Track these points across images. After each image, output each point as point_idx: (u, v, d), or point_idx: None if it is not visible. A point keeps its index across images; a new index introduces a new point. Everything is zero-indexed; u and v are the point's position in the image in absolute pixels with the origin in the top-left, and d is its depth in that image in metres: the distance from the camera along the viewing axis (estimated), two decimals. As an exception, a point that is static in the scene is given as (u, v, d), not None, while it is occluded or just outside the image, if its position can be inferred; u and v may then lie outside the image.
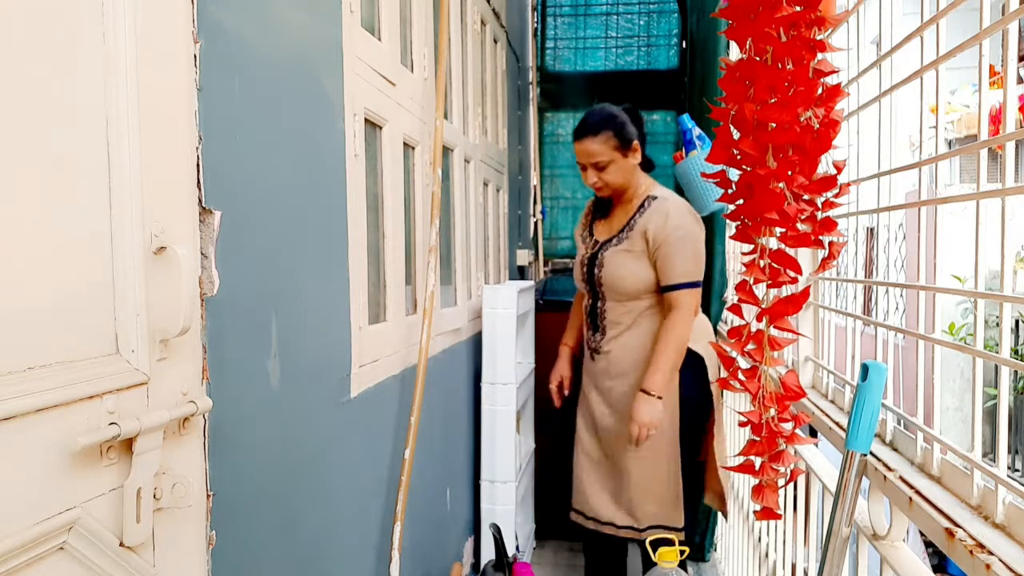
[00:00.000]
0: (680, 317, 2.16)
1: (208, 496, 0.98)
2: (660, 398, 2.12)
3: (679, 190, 2.61)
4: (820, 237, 1.03)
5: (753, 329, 1.08)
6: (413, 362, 1.89)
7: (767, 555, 1.97)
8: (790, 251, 1.04)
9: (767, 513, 1.11)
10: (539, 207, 4.10)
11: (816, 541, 1.59)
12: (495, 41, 3.22)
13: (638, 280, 2.23)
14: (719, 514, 2.84)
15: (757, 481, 1.11)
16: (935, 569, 3.64)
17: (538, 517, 3.20)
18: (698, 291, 2.20)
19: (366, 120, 1.63)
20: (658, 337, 2.18)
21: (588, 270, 2.34)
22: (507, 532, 2.63)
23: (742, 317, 1.10)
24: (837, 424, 1.28)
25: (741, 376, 1.09)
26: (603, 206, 2.41)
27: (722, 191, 1.08)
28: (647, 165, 2.34)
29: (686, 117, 2.52)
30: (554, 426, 2.83)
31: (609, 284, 2.28)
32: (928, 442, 1.04)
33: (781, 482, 1.11)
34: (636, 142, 2.24)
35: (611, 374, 2.30)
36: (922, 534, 1.32)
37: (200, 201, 0.96)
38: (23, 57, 0.71)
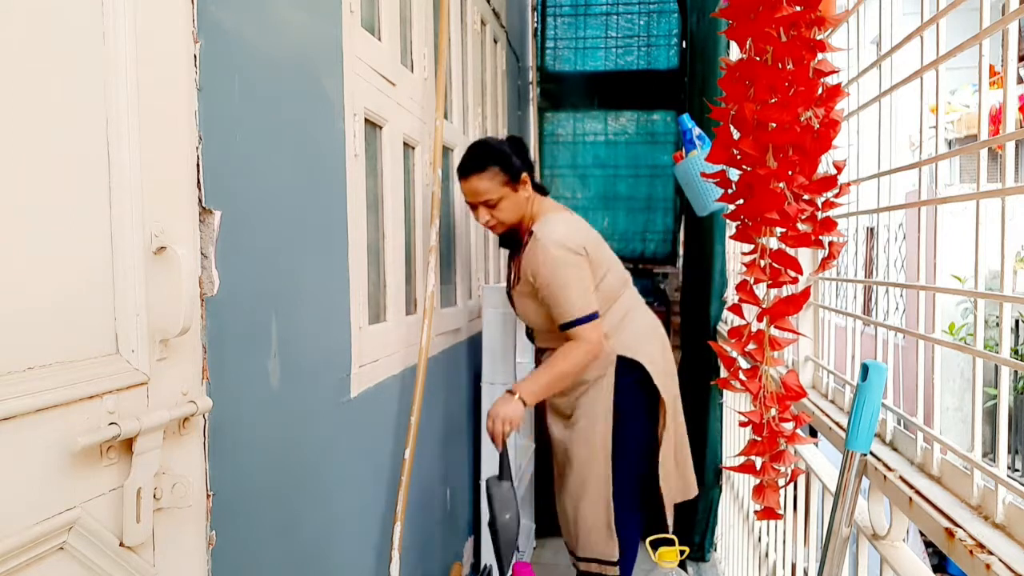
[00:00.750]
0: (578, 348, 2.03)
1: (208, 496, 0.98)
2: (524, 403, 2.00)
3: (679, 189, 2.61)
4: (820, 237, 1.03)
5: (753, 329, 1.08)
6: (413, 362, 1.89)
7: (767, 555, 1.97)
8: (790, 251, 1.04)
9: (768, 513, 1.11)
10: (539, 207, 4.10)
11: (816, 541, 1.59)
12: (495, 41, 3.22)
13: (543, 319, 2.15)
14: (719, 514, 2.84)
15: (758, 481, 1.11)
16: (935, 569, 3.64)
17: (538, 517, 3.20)
18: (596, 323, 2.05)
19: (366, 120, 1.63)
20: (555, 354, 2.06)
21: (512, 306, 2.32)
22: (507, 532, 2.62)
23: (742, 317, 1.10)
24: (837, 424, 1.28)
25: (742, 376, 1.09)
26: (507, 241, 2.28)
27: (722, 191, 1.08)
28: (542, 190, 2.23)
29: (686, 117, 2.52)
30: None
31: (525, 322, 2.29)
32: (928, 442, 1.04)
33: (782, 482, 1.11)
34: (525, 174, 2.11)
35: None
36: (922, 534, 1.32)
37: (200, 201, 0.96)
38: (23, 57, 0.71)
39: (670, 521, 2.32)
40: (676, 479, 2.27)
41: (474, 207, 2.13)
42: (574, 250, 2.05)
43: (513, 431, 1.99)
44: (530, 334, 2.35)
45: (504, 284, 2.42)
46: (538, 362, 2.32)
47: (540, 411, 3.07)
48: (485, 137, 2.18)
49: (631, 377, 2.17)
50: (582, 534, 2.19)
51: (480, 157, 2.08)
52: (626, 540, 2.20)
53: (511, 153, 2.10)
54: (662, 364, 2.24)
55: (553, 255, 2.02)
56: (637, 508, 2.24)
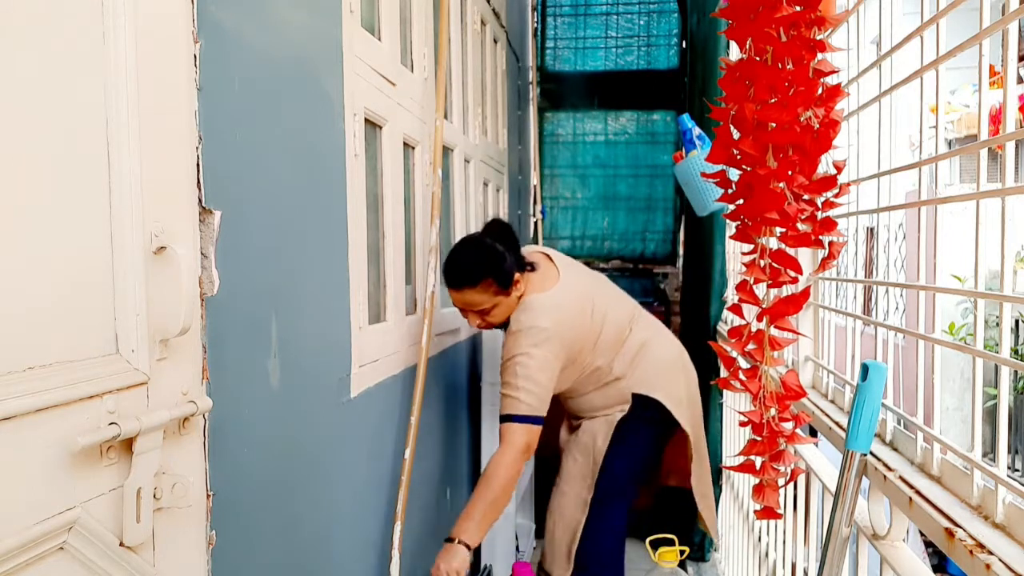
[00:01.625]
0: (503, 458, 1.88)
1: (208, 496, 0.98)
2: (468, 547, 1.81)
3: (679, 189, 2.62)
4: (820, 237, 1.03)
5: (753, 329, 1.08)
6: (413, 362, 1.89)
7: (767, 555, 1.97)
8: (790, 251, 1.04)
9: (768, 513, 1.11)
10: (539, 207, 4.10)
11: (816, 541, 1.59)
12: (495, 41, 3.22)
13: (561, 384, 2.08)
14: (719, 514, 2.84)
15: (758, 481, 1.11)
16: (935, 569, 3.64)
17: (538, 517, 3.20)
18: (532, 429, 1.91)
19: (366, 120, 1.63)
20: (481, 477, 1.91)
21: None
22: (507, 532, 2.63)
23: (742, 317, 1.10)
24: (837, 424, 1.28)
25: (742, 376, 1.09)
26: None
27: (722, 191, 1.08)
28: (530, 266, 2.08)
29: (686, 117, 2.52)
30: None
31: None
32: (928, 442, 1.04)
33: (781, 482, 1.11)
34: (517, 274, 1.97)
35: (577, 415, 2.28)
36: (922, 534, 1.32)
37: (200, 201, 0.96)
38: (23, 57, 0.71)
39: (713, 532, 2.33)
40: (710, 508, 2.27)
41: (463, 311, 2.04)
42: (538, 343, 1.92)
43: None
44: None
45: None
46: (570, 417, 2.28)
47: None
48: (472, 236, 2.05)
49: (646, 413, 2.10)
50: (547, 546, 2.20)
51: (472, 269, 1.93)
52: (600, 558, 2.17)
53: (503, 253, 1.95)
54: (685, 399, 2.15)
55: (516, 346, 1.92)
56: (619, 533, 2.21)
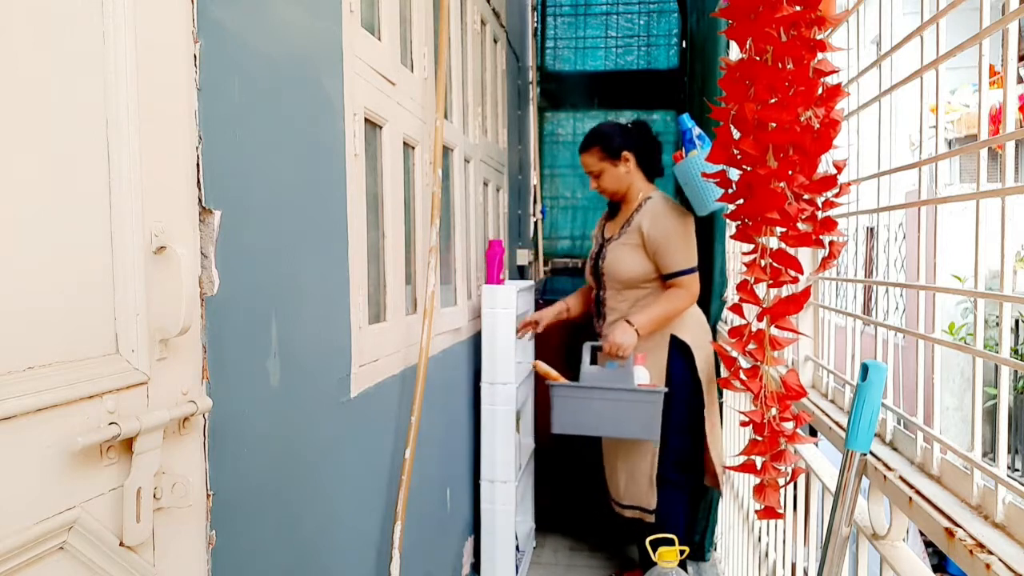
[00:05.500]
0: (681, 292, 2.48)
1: (208, 496, 0.98)
2: (638, 333, 2.43)
3: (679, 190, 2.63)
4: (820, 237, 1.03)
5: (754, 329, 1.08)
6: (413, 362, 1.89)
7: (767, 555, 1.97)
8: (790, 251, 1.04)
9: (769, 512, 1.11)
10: (539, 207, 4.10)
11: (816, 541, 1.59)
12: (495, 41, 3.22)
13: (633, 269, 2.53)
14: (719, 514, 2.84)
15: (758, 481, 1.11)
16: (935, 569, 3.64)
17: (538, 517, 3.20)
18: (696, 275, 2.50)
19: (366, 120, 1.63)
20: (661, 297, 2.49)
21: (595, 263, 2.65)
22: (507, 532, 2.63)
23: (743, 317, 1.10)
24: (837, 424, 1.28)
25: (742, 376, 1.09)
26: (613, 208, 2.75)
27: (722, 191, 1.08)
28: (651, 172, 2.64)
29: (686, 117, 2.52)
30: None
31: (609, 273, 2.57)
32: (928, 442, 1.04)
33: (782, 481, 1.11)
34: (626, 152, 2.57)
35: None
36: (922, 534, 1.32)
37: (200, 201, 0.96)
38: (23, 57, 0.71)
39: (723, 486, 2.61)
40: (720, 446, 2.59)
41: (589, 176, 2.68)
42: (685, 219, 2.52)
43: (623, 357, 2.43)
44: (598, 301, 2.67)
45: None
46: (596, 332, 2.68)
47: (539, 412, 3.08)
48: (610, 120, 2.82)
49: (679, 356, 2.52)
50: (628, 482, 2.55)
51: (589, 138, 2.62)
52: (670, 496, 2.54)
53: (615, 135, 2.58)
54: (703, 348, 2.55)
55: (671, 213, 2.50)
56: (681, 471, 2.54)
